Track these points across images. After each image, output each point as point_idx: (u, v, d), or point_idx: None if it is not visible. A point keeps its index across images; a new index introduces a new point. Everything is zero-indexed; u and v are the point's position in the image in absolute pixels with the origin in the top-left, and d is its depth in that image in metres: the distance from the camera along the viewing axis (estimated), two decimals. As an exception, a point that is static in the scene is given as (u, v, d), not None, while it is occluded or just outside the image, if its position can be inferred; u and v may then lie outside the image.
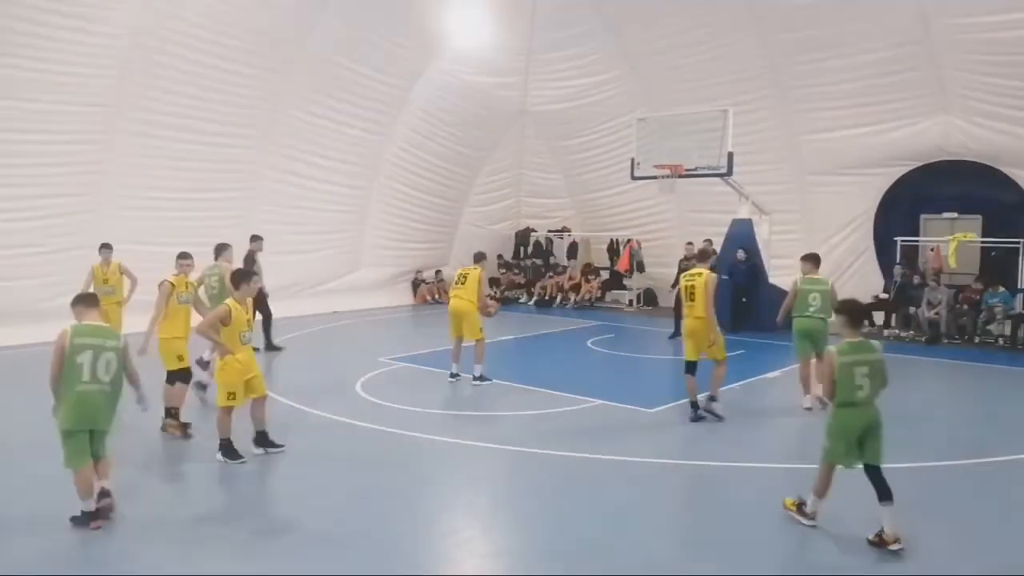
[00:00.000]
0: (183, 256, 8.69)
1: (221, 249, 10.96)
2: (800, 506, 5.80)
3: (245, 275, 7.49)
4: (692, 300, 8.76)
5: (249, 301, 7.36)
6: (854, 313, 5.69)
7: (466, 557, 5.44)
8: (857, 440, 5.50)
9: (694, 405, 8.77)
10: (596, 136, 20.11)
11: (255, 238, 13.40)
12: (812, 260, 9.71)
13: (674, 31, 16.91)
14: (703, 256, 9.86)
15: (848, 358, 5.47)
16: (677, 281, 15.01)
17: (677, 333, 14.75)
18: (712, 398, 8.85)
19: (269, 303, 13.22)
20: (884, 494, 5.42)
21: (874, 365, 5.50)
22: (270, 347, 13.05)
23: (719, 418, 8.71)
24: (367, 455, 7.61)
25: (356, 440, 8.18)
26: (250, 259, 12.96)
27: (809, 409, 9.29)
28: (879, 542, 5.35)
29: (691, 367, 8.76)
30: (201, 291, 10.08)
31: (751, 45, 16.18)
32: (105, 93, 13.76)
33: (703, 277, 8.83)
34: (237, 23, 14.81)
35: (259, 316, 11.92)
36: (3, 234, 13.26)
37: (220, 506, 6.26)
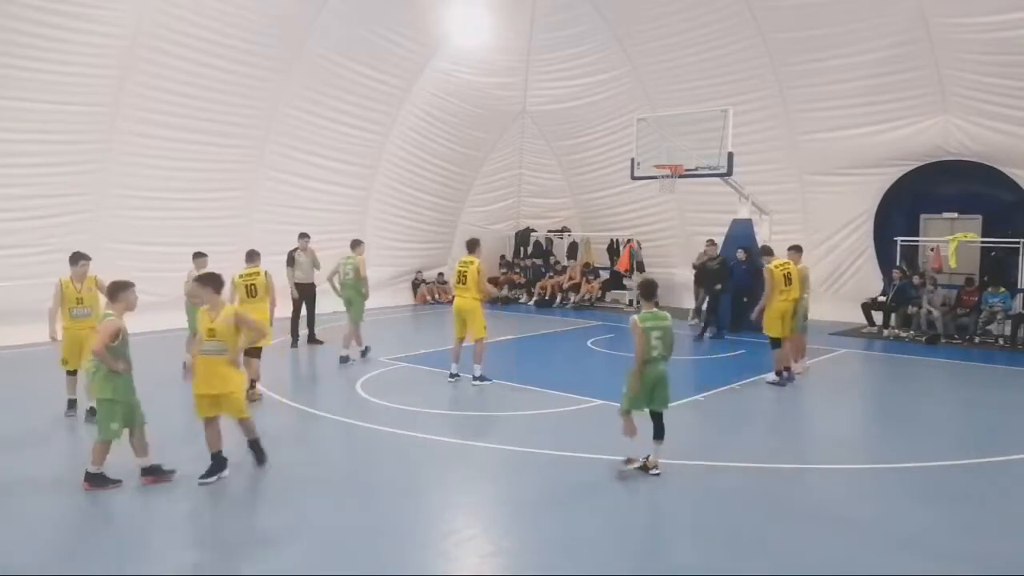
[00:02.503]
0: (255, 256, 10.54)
1: (356, 244, 12.83)
2: (627, 461, 6.84)
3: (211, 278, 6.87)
4: (789, 284, 10.62)
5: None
6: (646, 289, 7.04)
7: (466, 557, 5.43)
8: (650, 390, 6.71)
9: (787, 370, 10.59)
10: (596, 136, 20.12)
11: (302, 236, 13.68)
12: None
13: (674, 31, 16.92)
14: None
15: (647, 324, 6.66)
16: (707, 278, 15.15)
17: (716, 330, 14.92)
18: (787, 369, 10.63)
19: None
20: (658, 434, 6.78)
21: (666, 330, 6.71)
22: (312, 340, 13.88)
23: (782, 385, 10.46)
24: (367, 455, 7.61)
25: (356, 440, 8.18)
26: (291, 258, 13.56)
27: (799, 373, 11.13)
28: (644, 466, 6.76)
29: (777, 343, 10.59)
30: (335, 279, 12.45)
31: (751, 45, 16.18)
32: (105, 93, 13.76)
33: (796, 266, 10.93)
34: (237, 23, 14.82)
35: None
36: (3, 234, 13.27)
37: (217, 506, 6.25)
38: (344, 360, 11.96)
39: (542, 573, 5.11)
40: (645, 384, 6.70)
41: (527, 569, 5.18)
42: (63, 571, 5.09)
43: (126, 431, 6.53)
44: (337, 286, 12.40)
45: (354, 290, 12.26)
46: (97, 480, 6.38)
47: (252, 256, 10.56)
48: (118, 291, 6.52)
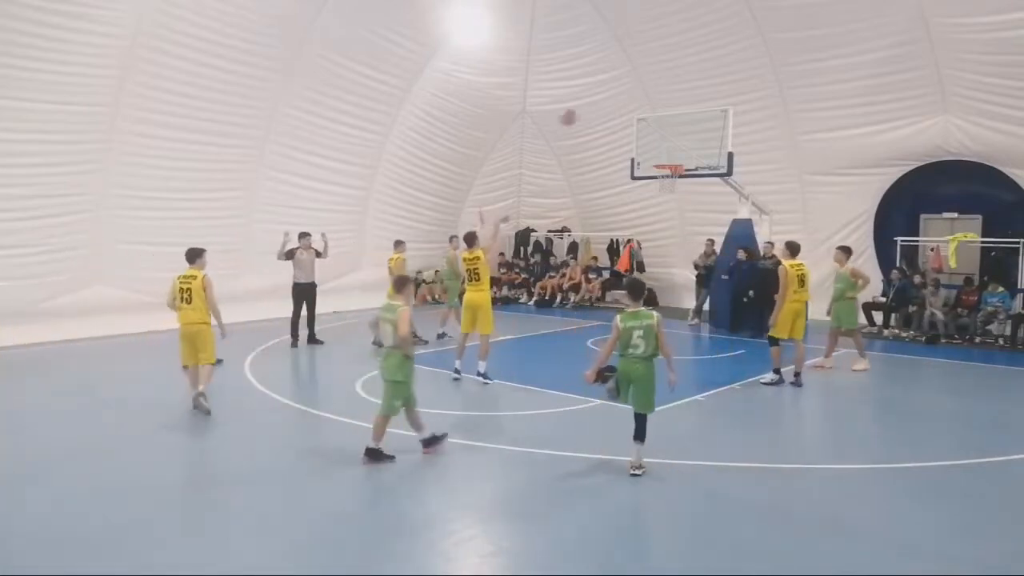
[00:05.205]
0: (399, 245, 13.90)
1: (452, 238, 15.07)
2: (633, 464, 6.90)
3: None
4: (803, 286, 10.79)
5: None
6: (633, 289, 7.16)
7: (466, 557, 5.44)
8: (628, 384, 6.86)
9: (777, 371, 10.62)
10: (596, 136, 20.11)
11: (303, 235, 13.76)
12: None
13: (674, 31, 16.92)
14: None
15: (628, 323, 6.82)
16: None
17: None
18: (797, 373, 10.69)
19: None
20: (638, 435, 6.82)
21: (647, 329, 6.79)
22: (312, 340, 13.79)
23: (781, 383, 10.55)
24: (367, 455, 7.59)
25: (356, 440, 8.16)
26: (291, 256, 13.51)
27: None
28: (635, 467, 6.84)
29: (775, 342, 10.65)
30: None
31: (751, 45, 16.17)
32: (105, 93, 13.75)
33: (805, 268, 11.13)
34: (237, 23, 14.81)
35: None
36: (3, 234, 13.26)
37: (215, 505, 6.25)
38: (441, 336, 14.14)
39: (542, 573, 5.11)
40: (625, 376, 6.86)
41: (527, 569, 5.18)
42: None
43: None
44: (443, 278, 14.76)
45: (451, 280, 14.62)
46: (375, 455, 6.99)
47: (398, 245, 14.01)
48: (407, 284, 7.32)
